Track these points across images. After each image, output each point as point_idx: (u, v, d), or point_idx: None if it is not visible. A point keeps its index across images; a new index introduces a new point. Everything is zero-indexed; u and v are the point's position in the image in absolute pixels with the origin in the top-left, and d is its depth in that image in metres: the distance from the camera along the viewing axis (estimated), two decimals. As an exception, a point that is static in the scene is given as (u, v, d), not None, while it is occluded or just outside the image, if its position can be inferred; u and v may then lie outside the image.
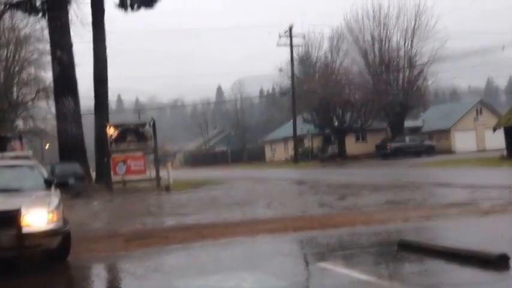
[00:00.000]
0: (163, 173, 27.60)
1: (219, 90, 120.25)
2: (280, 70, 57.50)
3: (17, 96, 48.90)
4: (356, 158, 50.54)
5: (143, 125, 28.49)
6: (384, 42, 53.68)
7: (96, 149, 29.46)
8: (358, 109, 52.24)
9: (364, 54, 54.44)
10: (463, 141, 54.06)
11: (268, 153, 70.17)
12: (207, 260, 8.36)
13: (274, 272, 7.09)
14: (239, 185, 25.94)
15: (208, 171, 51.61)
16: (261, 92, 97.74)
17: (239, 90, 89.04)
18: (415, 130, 58.34)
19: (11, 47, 45.97)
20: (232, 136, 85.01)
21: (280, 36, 52.90)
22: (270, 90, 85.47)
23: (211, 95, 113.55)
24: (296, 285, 6.53)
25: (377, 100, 50.39)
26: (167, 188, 25.11)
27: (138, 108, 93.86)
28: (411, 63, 53.05)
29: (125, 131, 27.44)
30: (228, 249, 9.14)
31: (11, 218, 7.37)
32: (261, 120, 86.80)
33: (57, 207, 8.05)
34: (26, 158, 10.16)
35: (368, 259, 7.95)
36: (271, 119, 79.89)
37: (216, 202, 17.69)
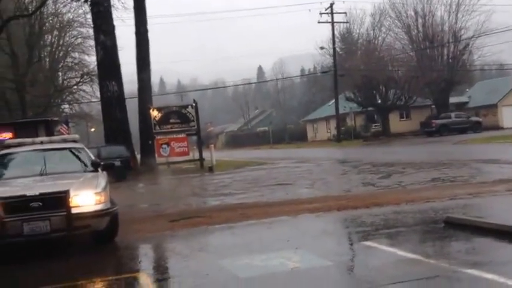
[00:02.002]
0: (206, 154, 27.87)
1: (260, 71, 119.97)
2: (322, 48, 56.86)
3: (62, 81, 50.05)
4: (400, 136, 49.75)
5: (186, 107, 28.79)
6: (427, 17, 52.34)
7: (141, 132, 29.98)
8: (401, 86, 51.29)
9: (408, 30, 53.23)
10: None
11: (310, 133, 69.85)
12: (251, 240, 8.42)
13: (319, 251, 7.09)
14: (281, 165, 25.94)
15: (250, 151, 51.83)
16: (302, 71, 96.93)
17: (280, 70, 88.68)
18: (460, 106, 56.91)
19: (55, 32, 46.94)
20: (274, 116, 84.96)
21: (321, 14, 52.30)
22: (311, 69, 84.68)
23: (252, 75, 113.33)
24: (341, 264, 6.51)
25: (421, 76, 49.32)
26: (210, 169, 25.36)
27: (180, 90, 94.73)
28: (456, 37, 51.56)
29: (168, 114, 27.80)
30: (271, 228, 9.19)
31: (61, 200, 7.60)
32: (303, 99, 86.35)
33: (105, 188, 8.25)
34: (74, 141, 10.39)
35: (414, 237, 7.84)
36: (313, 99, 79.33)
37: (258, 182, 17.75)
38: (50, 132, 25.01)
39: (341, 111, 52.85)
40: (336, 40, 53.96)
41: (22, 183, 8.29)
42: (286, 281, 5.87)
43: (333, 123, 57.45)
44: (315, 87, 74.43)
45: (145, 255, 8.68)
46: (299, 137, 68.68)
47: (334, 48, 52.43)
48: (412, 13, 52.58)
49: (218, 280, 6.04)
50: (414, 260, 6.25)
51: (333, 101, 54.14)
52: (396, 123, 54.89)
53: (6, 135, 23.68)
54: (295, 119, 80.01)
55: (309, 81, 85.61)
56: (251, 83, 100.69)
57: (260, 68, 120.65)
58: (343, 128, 54.76)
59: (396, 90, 52.01)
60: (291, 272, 6.14)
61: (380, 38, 55.00)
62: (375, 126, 56.19)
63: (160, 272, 7.18)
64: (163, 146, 27.53)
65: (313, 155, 32.25)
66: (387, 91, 52.38)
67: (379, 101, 53.04)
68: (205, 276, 6.25)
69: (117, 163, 21.62)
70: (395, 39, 54.21)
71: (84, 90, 49.33)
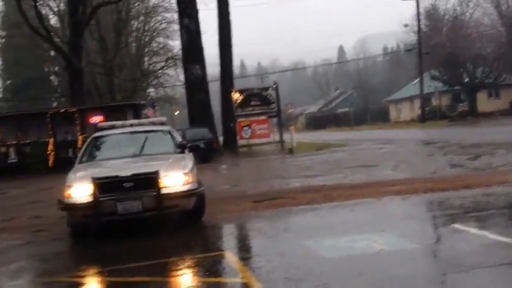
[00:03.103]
0: (286, 136, 27.94)
1: (341, 50, 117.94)
2: (406, 25, 54.90)
3: (148, 66, 51.75)
4: (488, 116, 47.36)
5: (266, 89, 28.91)
6: (519, -11, 49.14)
7: (223, 114, 30.49)
8: (490, 63, 48.72)
9: (497, 5, 50.31)
10: None
11: (392, 113, 68.12)
12: (335, 221, 8.40)
13: (405, 233, 6.96)
14: (363, 147, 25.56)
15: (331, 133, 51.40)
16: (385, 49, 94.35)
17: (362, 49, 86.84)
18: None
19: (141, 18, 48.51)
20: (355, 97, 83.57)
21: (405, -10, 50.45)
22: (394, 48, 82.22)
23: (333, 55, 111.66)
24: (428, 247, 6.37)
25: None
26: (291, 151, 25.41)
27: (260, 72, 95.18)
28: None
29: (249, 96, 28.05)
30: (355, 210, 9.11)
31: (152, 181, 7.91)
32: (385, 79, 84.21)
33: (192, 169, 8.49)
34: (162, 123, 10.71)
35: (505, 221, 7.53)
36: (396, 78, 77.17)
37: (340, 164, 17.59)
38: (137, 115, 26.21)
39: (426, 90, 51.04)
40: (421, 17, 51.99)
41: (115, 165, 8.70)
42: (373, 262, 5.80)
43: (417, 103, 55.63)
44: (398, 66, 72.39)
45: (231, 235, 8.89)
46: (381, 118, 67.21)
47: (418, 25, 50.54)
48: (503, -14, 49.62)
49: (304, 260, 6.08)
50: (505, 243, 6.02)
51: (417, 80, 52.36)
52: (484, 102, 52.31)
53: (98, 119, 25.00)
54: (377, 99, 78.26)
55: (392, 60, 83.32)
56: (331, 63, 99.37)
57: (341, 48, 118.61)
58: (427, 108, 52.92)
59: (484, 68, 49.48)
60: (378, 254, 6.09)
61: (467, 13, 52.38)
62: (462, 105, 53.84)
63: (246, 252, 7.34)
64: (245, 128, 27.87)
65: (396, 136, 31.47)
66: (475, 69, 49.94)
67: (466, 80, 50.70)
68: (291, 256, 6.32)
69: (201, 145, 22.22)
70: (484, 15, 51.43)
71: (168, 74, 50.85)
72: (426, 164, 15.75)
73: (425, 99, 51.98)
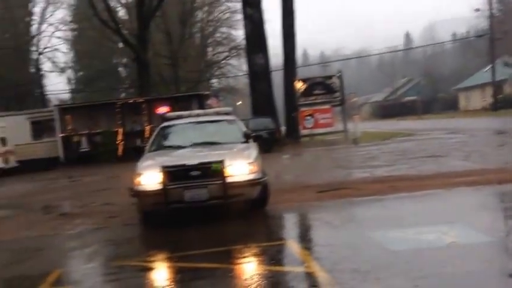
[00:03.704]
0: (350, 126, 27.57)
1: (407, 37, 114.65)
2: (477, 10, 52.74)
3: (211, 56, 52.38)
4: None
5: (330, 77, 28.63)
6: None
7: (285, 104, 30.44)
8: None
9: None
10: None
11: (462, 102, 65.78)
12: (402, 213, 8.23)
13: (477, 226, 6.72)
14: (431, 136, 24.83)
15: (397, 122, 50.26)
16: (454, 36, 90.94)
17: (429, 36, 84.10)
18: None
19: (205, 8, 49.09)
20: (422, 85, 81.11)
21: (475, -27, 48.50)
22: (464, 34, 79.12)
23: (399, 42, 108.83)
24: (502, 241, 6.11)
25: None
26: (355, 141, 25.06)
27: (323, 61, 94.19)
28: None
29: (312, 85, 27.87)
30: (423, 202, 8.88)
31: (217, 169, 8.01)
32: (454, 66, 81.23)
33: (256, 159, 8.54)
34: (227, 113, 10.81)
35: None
36: (466, 65, 74.24)
37: (407, 154, 17.17)
38: (201, 106, 26.60)
39: (498, 78, 48.92)
40: (493, 1, 49.78)
41: (182, 153, 8.88)
42: (443, 255, 5.63)
43: (488, 91, 53.42)
44: (469, 53, 69.53)
45: (295, 224, 8.90)
46: (450, 107, 65.04)
47: (490, 10, 48.45)
48: None
49: (370, 252, 5.99)
50: None
51: (489, 67, 50.23)
52: None
53: (164, 109, 25.59)
54: (446, 87, 75.69)
55: (462, 47, 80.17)
56: (398, 51, 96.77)
57: (407, 35, 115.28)
58: (500, 96, 50.70)
59: None
60: (448, 247, 5.90)
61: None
62: (538, 93, 51.26)
63: (310, 241, 7.32)
64: (307, 117, 27.74)
65: (466, 125, 30.35)
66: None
67: (542, 66, 48.21)
68: (357, 248, 6.25)
69: (264, 135, 22.32)
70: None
71: (231, 65, 51.29)
72: (499, 154, 15.10)
73: (497, 87, 49.84)
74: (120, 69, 56.29)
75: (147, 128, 26.17)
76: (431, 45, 78.47)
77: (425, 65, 79.61)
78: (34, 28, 49.08)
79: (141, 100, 28.07)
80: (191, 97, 28.94)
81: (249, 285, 5.23)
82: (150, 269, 6.29)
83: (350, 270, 5.32)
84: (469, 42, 69.50)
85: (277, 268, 5.82)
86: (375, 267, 5.36)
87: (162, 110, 25.33)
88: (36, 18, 47.16)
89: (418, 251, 5.85)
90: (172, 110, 23.02)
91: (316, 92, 27.91)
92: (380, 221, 7.71)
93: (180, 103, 26.45)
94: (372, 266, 5.42)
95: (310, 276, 5.43)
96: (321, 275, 5.29)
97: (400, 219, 7.70)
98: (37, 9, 50.00)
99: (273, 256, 6.37)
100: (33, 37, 47.74)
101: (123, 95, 50.43)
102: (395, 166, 14.19)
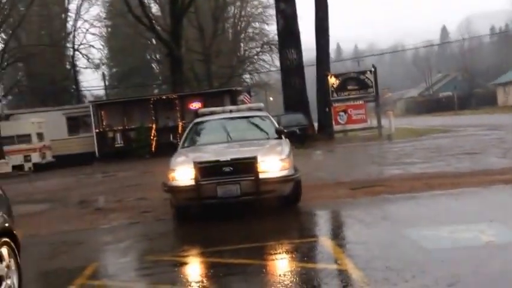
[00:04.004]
0: (384, 122, 27.24)
1: (444, 31, 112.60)
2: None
3: (244, 51, 52.44)
4: None
5: (364, 72, 28.34)
6: None
7: (318, 100, 30.25)
8: None
9: None
10: None
11: (500, 97, 64.23)
12: (437, 211, 8.08)
13: (515, 225, 6.55)
14: (468, 133, 24.33)
15: (432, 118, 49.47)
16: (492, 29, 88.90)
17: (467, 30, 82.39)
18: None
19: (238, 3, 49.15)
20: (459, 80, 79.54)
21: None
22: (503, 28, 77.23)
23: (435, 37, 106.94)
24: (542, 241, 5.95)
25: None
26: (389, 137, 24.77)
27: (357, 56, 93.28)
28: None
29: (346, 80, 27.64)
30: (459, 199, 8.71)
31: (250, 166, 8.03)
32: (492, 61, 79.41)
33: (289, 155, 8.52)
34: (259, 109, 10.82)
35: None
36: (505, 59, 72.52)
37: (442, 151, 16.87)
38: (234, 101, 26.69)
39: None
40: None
41: (215, 149, 8.93)
42: (481, 255, 5.52)
43: (527, 86, 52.11)
44: (508, 47, 67.89)
45: (327, 221, 8.85)
46: (488, 102, 63.57)
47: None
48: None
49: (405, 250, 5.91)
50: None
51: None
52: None
53: (197, 105, 25.78)
54: (483, 82, 74.08)
55: (500, 41, 78.37)
56: (433, 45, 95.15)
57: (444, 29, 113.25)
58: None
59: None
60: (486, 246, 5.77)
61: None
62: None
63: (343, 239, 7.26)
64: (341, 113, 27.54)
65: (504, 122, 29.64)
66: None
67: None
68: (391, 246, 6.17)
69: (297, 131, 22.26)
70: None
71: (263, 60, 51.27)
72: (539, 152, 14.72)
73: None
74: (153, 65, 56.90)
75: (180, 123, 26.41)
76: (468, 39, 76.82)
77: (462, 60, 77.99)
78: (69, 25, 50.00)
79: (173, 96, 28.35)
80: (223, 93, 29.09)
81: (281, 282, 5.23)
82: (183, 264, 6.34)
83: (384, 268, 5.25)
84: (508, 36, 67.83)
85: (310, 265, 5.80)
86: (408, 266, 5.28)
87: (195, 105, 25.53)
88: (71, 15, 48.01)
89: (454, 250, 5.74)
90: (205, 105, 23.18)
91: (350, 87, 27.67)
92: (415, 218, 7.60)
93: (212, 99, 26.61)
94: (406, 264, 5.34)
95: (343, 274, 5.39)
96: (354, 273, 5.24)
97: (435, 217, 7.57)
98: (72, 6, 50.96)
99: (305, 253, 6.34)
100: (68, 34, 48.64)
101: (156, 91, 50.99)
102: (430, 163, 13.97)
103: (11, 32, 36.91)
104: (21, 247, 5.15)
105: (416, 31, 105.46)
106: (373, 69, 27.84)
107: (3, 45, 36.35)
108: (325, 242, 6.81)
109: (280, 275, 5.52)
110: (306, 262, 5.88)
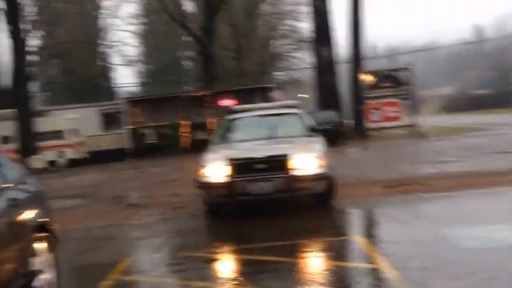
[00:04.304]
0: (418, 120, 26.85)
1: (478, 29, 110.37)
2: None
3: (275, 49, 52.31)
4: None
5: (398, 70, 27.98)
6: None
7: (352, 97, 30.01)
8: None
9: None
10: None
11: (537, 96, 62.63)
12: (472, 210, 7.94)
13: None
14: (504, 131, 23.76)
15: (467, 116, 48.52)
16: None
17: (502, 27, 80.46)
18: None
19: (270, 0, 49.03)
20: (494, 78, 77.86)
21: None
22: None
23: (469, 34, 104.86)
24: None
25: None
26: (423, 135, 24.40)
27: (391, 53, 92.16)
28: None
29: (380, 78, 27.36)
30: (496, 199, 8.52)
31: (283, 163, 8.00)
32: (528, 59, 77.39)
33: (323, 152, 8.45)
34: (294, 106, 10.71)
35: None
36: (542, 57, 70.66)
37: (478, 150, 16.52)
38: (265, 99, 26.68)
39: None
40: None
41: (247, 146, 8.92)
42: (518, 256, 5.40)
43: None
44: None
45: (360, 219, 8.76)
46: (523, 101, 62.09)
47: None
48: None
49: (440, 249, 5.81)
50: None
51: None
52: None
53: (228, 102, 25.86)
54: (518, 80, 72.32)
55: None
56: (469, 43, 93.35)
57: (479, 27, 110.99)
58: None
59: None
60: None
61: None
62: None
63: (377, 237, 7.19)
64: (374, 111, 27.25)
65: (541, 120, 28.90)
66: None
67: None
68: (426, 245, 6.06)
69: (330, 128, 22.10)
70: None
71: (295, 57, 51.03)
72: None
73: None
74: (185, 62, 57.25)
75: (211, 120, 26.54)
76: (503, 37, 75.02)
77: (496, 58, 76.24)
78: (103, 22, 50.66)
79: (205, 93, 28.49)
80: (255, 90, 29.11)
81: (314, 280, 5.19)
82: (216, 260, 6.36)
83: (418, 268, 5.18)
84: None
85: (343, 263, 5.75)
86: (443, 265, 5.19)
87: (226, 102, 25.61)
88: (105, 12, 48.60)
89: (490, 250, 5.63)
90: (236, 103, 23.24)
91: (384, 84, 27.38)
92: (449, 217, 7.47)
93: (244, 96, 26.67)
94: (441, 263, 5.26)
95: (377, 273, 5.33)
96: (388, 272, 5.18)
97: (471, 216, 7.43)
98: (106, 3, 51.59)
99: (338, 251, 6.29)
100: (102, 31, 49.29)
101: (188, 88, 51.32)
102: (465, 162, 13.70)
103: (46, 29, 37.53)
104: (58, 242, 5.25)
105: (451, 28, 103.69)
106: (407, 67, 27.44)
107: (41, 42, 37.09)
108: (358, 241, 6.75)
109: (312, 273, 5.49)
110: (339, 260, 5.83)
